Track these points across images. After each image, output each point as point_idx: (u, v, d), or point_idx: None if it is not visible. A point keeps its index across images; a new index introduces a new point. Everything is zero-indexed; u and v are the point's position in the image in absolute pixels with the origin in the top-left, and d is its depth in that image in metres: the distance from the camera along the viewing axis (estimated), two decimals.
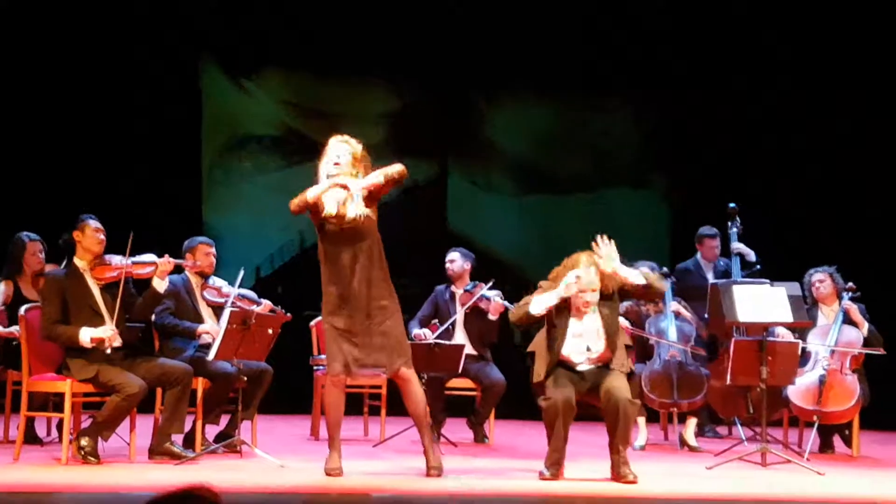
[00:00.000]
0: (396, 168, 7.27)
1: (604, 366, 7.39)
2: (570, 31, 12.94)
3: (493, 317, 9.65)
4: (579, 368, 7.39)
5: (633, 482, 7.15)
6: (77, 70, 12.14)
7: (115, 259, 7.84)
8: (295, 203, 7.22)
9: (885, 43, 12.21)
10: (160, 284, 7.92)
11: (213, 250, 8.71)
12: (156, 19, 12.43)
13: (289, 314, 8.45)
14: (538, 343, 7.51)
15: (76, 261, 7.84)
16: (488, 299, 9.62)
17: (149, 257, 7.93)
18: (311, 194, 7.19)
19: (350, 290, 7.19)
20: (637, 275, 7.32)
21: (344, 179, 7.18)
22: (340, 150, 7.31)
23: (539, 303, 7.34)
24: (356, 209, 7.15)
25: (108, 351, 7.61)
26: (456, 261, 9.89)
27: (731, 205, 9.89)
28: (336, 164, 7.25)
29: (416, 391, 7.37)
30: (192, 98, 12.96)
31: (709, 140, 12.58)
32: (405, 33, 12.77)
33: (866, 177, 12.15)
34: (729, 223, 9.90)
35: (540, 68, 13.06)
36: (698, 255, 10.57)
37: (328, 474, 7.19)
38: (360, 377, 7.62)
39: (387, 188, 7.29)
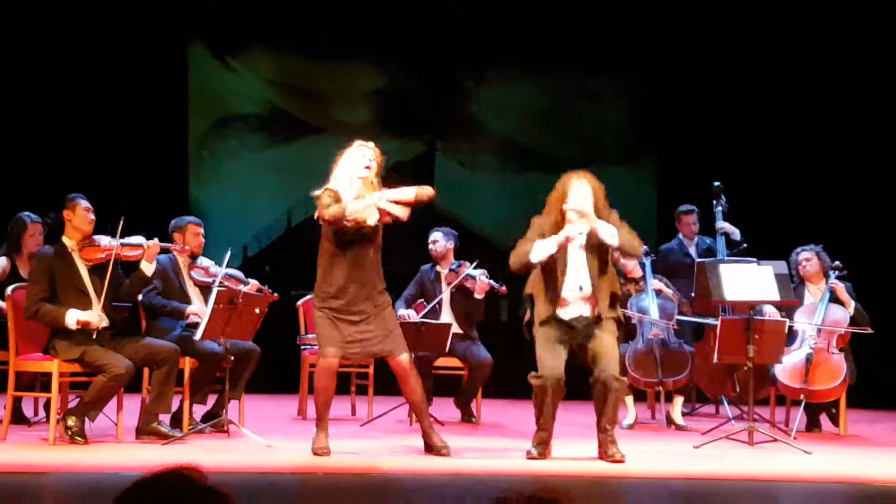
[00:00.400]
0: (428, 191, 7.40)
1: (596, 319, 7.33)
2: (557, 9, 12.91)
3: (479, 296, 9.64)
4: (570, 315, 7.33)
5: (621, 461, 7.16)
6: (62, 51, 12.07)
7: (104, 240, 7.80)
8: (331, 213, 7.17)
9: (881, 40, 12.20)
10: (148, 268, 7.89)
11: (202, 230, 8.69)
12: None
13: (276, 294, 8.44)
14: (534, 284, 7.47)
15: (65, 240, 7.80)
16: (474, 278, 9.60)
17: (138, 240, 7.90)
18: (351, 210, 7.18)
19: (350, 291, 7.28)
20: (612, 237, 7.26)
21: (377, 197, 7.25)
22: (368, 153, 7.40)
23: (539, 251, 7.28)
24: (375, 217, 7.25)
25: (94, 336, 7.59)
26: (438, 241, 9.85)
27: (716, 183, 9.87)
28: (367, 167, 7.35)
29: (414, 380, 7.40)
30: (178, 76, 12.91)
31: (697, 120, 12.56)
32: (392, 12, 12.74)
33: (851, 158, 12.16)
34: (714, 202, 9.88)
35: (528, 48, 13.04)
36: (680, 235, 10.54)
37: (316, 454, 7.20)
38: (351, 360, 7.67)
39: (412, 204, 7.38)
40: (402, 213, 7.27)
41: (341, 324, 7.26)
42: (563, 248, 7.30)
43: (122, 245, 7.80)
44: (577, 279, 7.34)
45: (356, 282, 7.28)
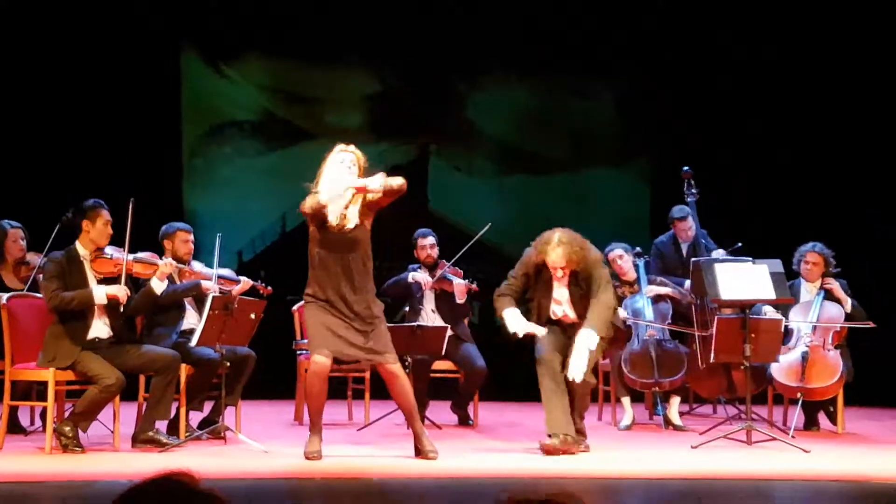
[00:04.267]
0: (398, 180, 7.31)
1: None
2: (549, 12, 12.91)
3: (460, 300, 9.59)
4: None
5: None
6: (55, 57, 12.06)
7: (116, 253, 7.75)
8: (308, 205, 7.25)
9: (868, 34, 12.20)
10: (158, 286, 7.85)
11: (192, 237, 8.64)
12: (135, 5, 12.36)
13: (269, 287, 8.44)
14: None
15: (78, 247, 7.73)
16: (450, 281, 9.57)
17: (150, 257, 7.86)
18: (324, 196, 7.22)
19: (336, 295, 7.28)
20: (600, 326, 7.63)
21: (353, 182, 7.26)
22: (347, 158, 7.35)
23: (508, 320, 7.79)
24: (352, 215, 7.28)
25: (97, 340, 7.55)
26: (436, 247, 9.84)
27: (685, 168, 9.61)
28: (350, 168, 7.30)
29: (403, 385, 7.40)
30: (171, 84, 12.89)
31: (691, 118, 12.56)
32: (385, 16, 12.73)
33: (844, 159, 12.15)
34: (685, 188, 9.66)
35: (521, 50, 13.04)
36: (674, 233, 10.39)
37: (308, 458, 7.21)
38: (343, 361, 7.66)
39: (385, 199, 7.33)
40: (378, 185, 7.22)
41: (326, 327, 7.25)
42: (549, 281, 7.82)
43: (135, 260, 7.78)
44: (563, 308, 7.86)
45: (341, 284, 7.27)
